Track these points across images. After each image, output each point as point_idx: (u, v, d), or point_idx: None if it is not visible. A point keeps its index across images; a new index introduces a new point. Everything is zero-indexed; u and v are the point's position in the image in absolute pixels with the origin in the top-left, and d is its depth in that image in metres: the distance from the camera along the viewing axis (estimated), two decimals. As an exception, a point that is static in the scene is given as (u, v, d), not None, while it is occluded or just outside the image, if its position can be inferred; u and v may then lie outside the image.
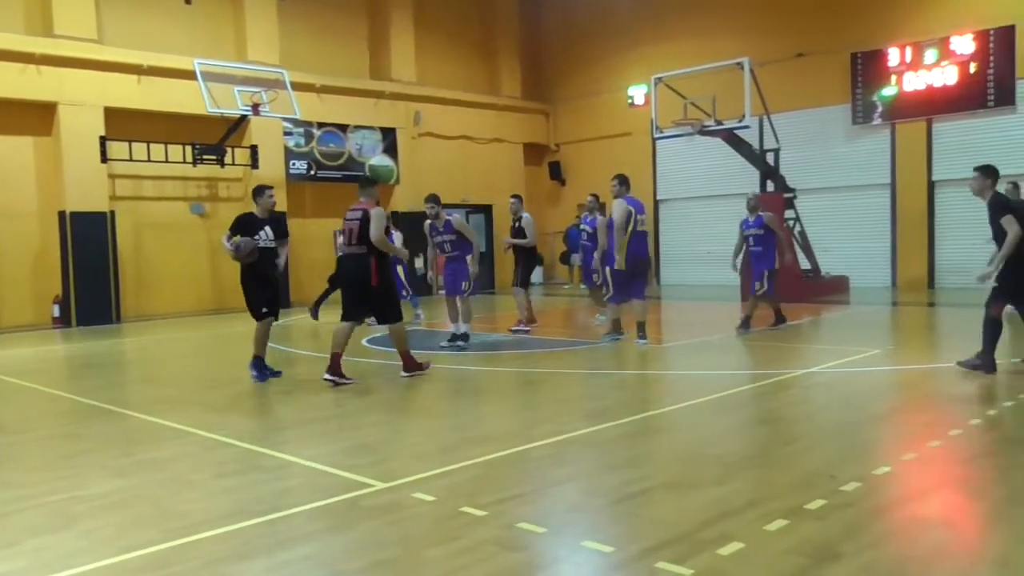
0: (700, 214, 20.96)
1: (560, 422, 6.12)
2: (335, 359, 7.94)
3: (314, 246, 19.67)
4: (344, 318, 8.10)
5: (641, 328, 10.09)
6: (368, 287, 8.00)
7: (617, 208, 9.91)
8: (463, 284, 10.48)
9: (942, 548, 3.54)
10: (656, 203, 21.91)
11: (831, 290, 16.45)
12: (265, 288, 8.58)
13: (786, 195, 16.39)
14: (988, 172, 7.52)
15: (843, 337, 10.72)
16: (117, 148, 15.96)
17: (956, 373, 7.69)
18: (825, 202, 18.20)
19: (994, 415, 5.93)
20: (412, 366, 8.33)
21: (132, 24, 16.69)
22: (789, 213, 16.48)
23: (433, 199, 10.56)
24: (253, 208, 8.82)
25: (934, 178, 17.30)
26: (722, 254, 14.24)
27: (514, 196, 12.24)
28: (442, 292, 10.95)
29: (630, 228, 9.78)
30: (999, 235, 7.33)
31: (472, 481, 4.72)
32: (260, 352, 8.49)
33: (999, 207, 7.34)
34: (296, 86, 17.46)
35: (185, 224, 17.46)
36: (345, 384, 7.86)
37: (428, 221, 10.62)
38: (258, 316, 8.47)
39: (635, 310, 10.14)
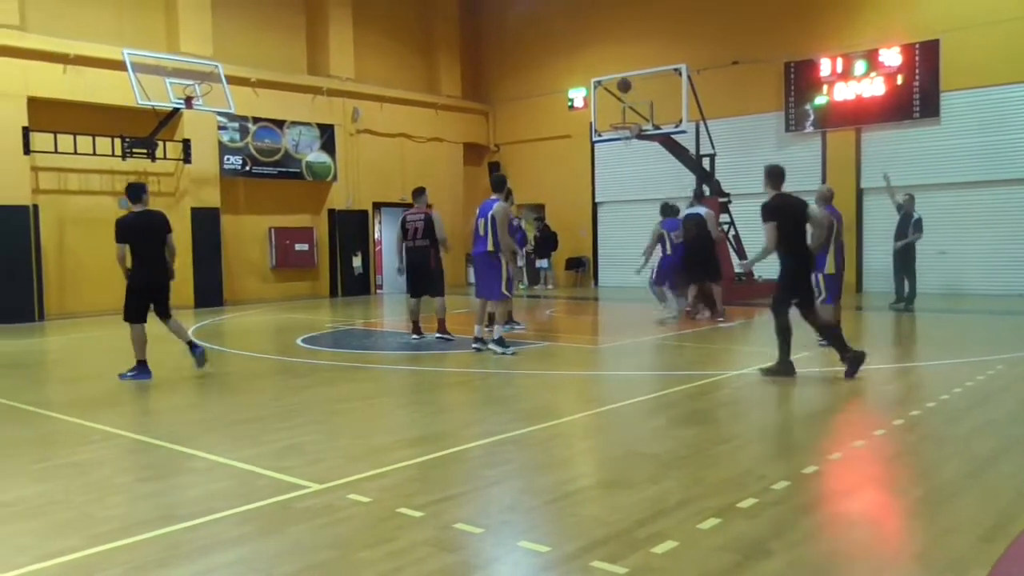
0: (637, 217, 21.21)
1: (496, 422, 6.12)
2: (416, 325, 10.84)
3: (249, 244, 19.31)
4: (412, 295, 10.87)
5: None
6: (428, 269, 10.60)
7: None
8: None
9: (865, 544, 3.65)
10: (594, 205, 22.13)
11: (763, 293, 16.79)
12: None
13: (721, 200, 16.71)
14: (768, 174, 7.88)
15: (774, 339, 10.95)
16: (41, 140, 15.38)
17: (880, 375, 7.94)
18: (758, 207, 18.58)
19: (916, 415, 6.13)
20: (443, 330, 10.71)
21: (57, 11, 16.10)
22: (724, 217, 16.81)
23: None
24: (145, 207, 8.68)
25: (863, 185, 17.85)
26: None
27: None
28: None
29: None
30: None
31: (408, 482, 4.68)
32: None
33: (766, 210, 7.72)
34: (231, 80, 17.08)
35: (112, 219, 16.74)
36: (449, 339, 10.55)
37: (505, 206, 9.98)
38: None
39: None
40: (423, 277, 10.73)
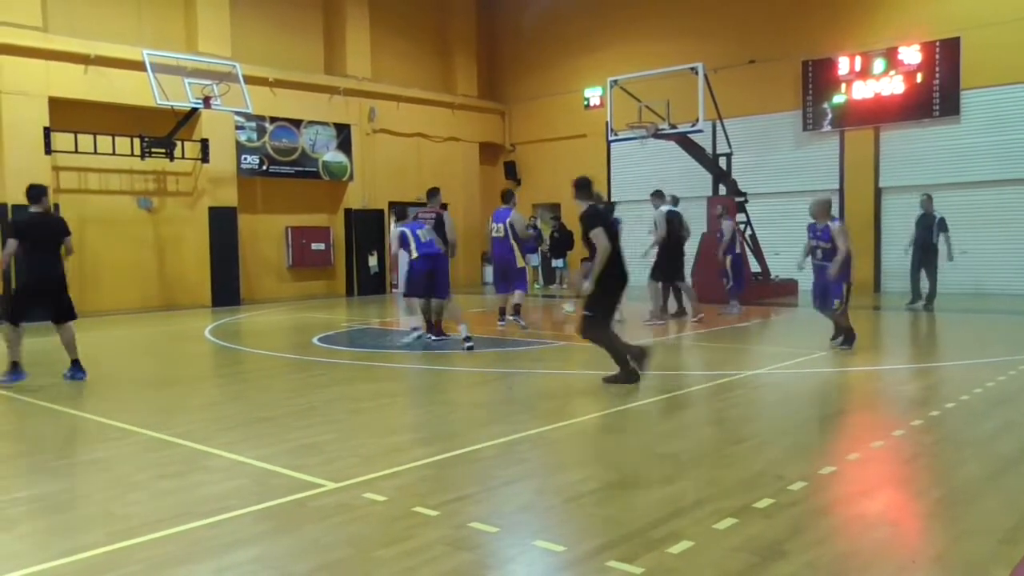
0: (652, 216, 21.15)
1: (511, 422, 6.13)
2: (432, 325, 10.80)
3: (266, 243, 19.41)
4: (421, 296, 10.75)
5: (515, 310, 12.03)
6: (436, 268, 10.49)
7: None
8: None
9: (883, 546, 3.62)
10: (611, 205, 22.06)
11: (780, 293, 16.74)
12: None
13: (738, 199, 16.65)
14: (577, 186, 7.55)
15: (791, 339, 10.92)
16: (62, 140, 15.53)
17: (899, 376, 7.88)
18: (776, 206, 18.50)
19: (936, 416, 6.08)
20: (440, 333, 10.76)
21: (79, 12, 16.25)
22: (740, 217, 16.73)
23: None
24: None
25: (881, 185, 17.71)
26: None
27: (654, 192, 13.01)
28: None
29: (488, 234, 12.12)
30: (591, 248, 7.26)
31: (423, 481, 4.69)
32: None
33: (588, 219, 7.29)
34: (249, 80, 17.16)
35: (131, 218, 17.07)
36: (444, 339, 10.62)
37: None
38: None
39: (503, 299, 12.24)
40: (432, 275, 10.71)
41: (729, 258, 13.83)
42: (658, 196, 13.13)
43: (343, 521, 4.03)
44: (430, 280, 10.49)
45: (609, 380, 7.41)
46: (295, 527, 3.97)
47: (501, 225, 11.82)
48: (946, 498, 4.28)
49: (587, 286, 7.24)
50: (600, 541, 3.67)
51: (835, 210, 17.94)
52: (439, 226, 10.63)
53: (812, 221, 9.32)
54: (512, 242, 11.82)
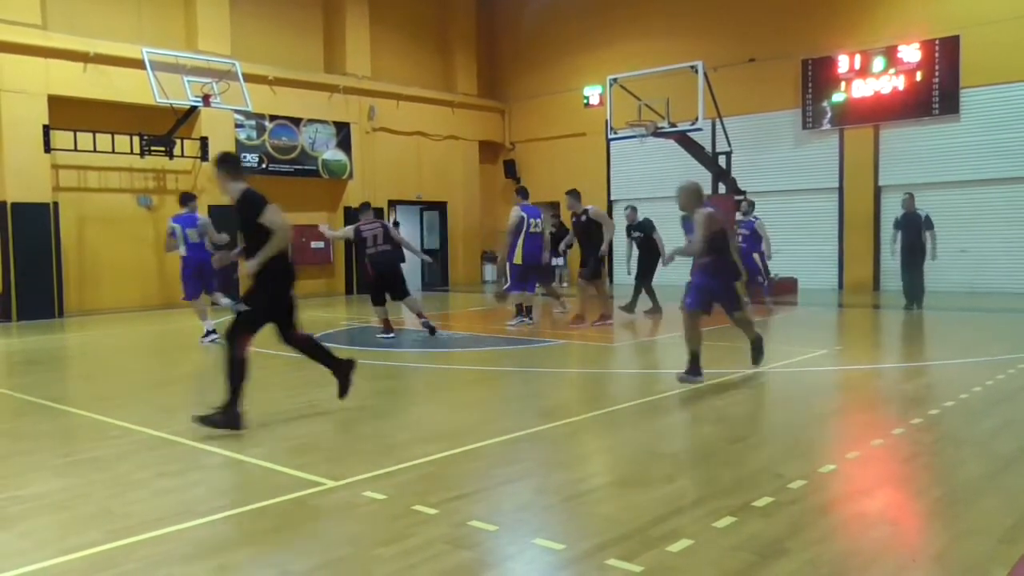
0: (652, 215, 21.12)
1: (511, 420, 6.13)
2: (427, 325, 11.02)
3: (265, 241, 19.39)
4: (376, 303, 11.10)
5: (528, 311, 12.18)
6: (398, 272, 11.07)
7: (512, 213, 11.87)
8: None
9: (883, 544, 3.62)
10: (610, 204, 22.06)
11: (780, 291, 16.72)
12: None
13: (737, 197, 16.64)
14: (222, 161, 6.31)
15: (790, 337, 10.90)
16: (61, 138, 15.52)
17: (898, 374, 7.87)
18: (775, 205, 18.50)
19: (935, 415, 6.09)
20: (429, 325, 10.98)
21: (78, 10, 16.24)
22: (738, 215, 16.73)
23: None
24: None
25: (880, 183, 17.71)
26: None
27: (570, 192, 12.68)
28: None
29: (524, 230, 11.59)
30: (257, 236, 6.03)
31: (423, 479, 4.70)
32: None
33: (254, 202, 6.10)
34: (248, 78, 17.16)
35: (131, 217, 17.05)
36: (390, 335, 10.89)
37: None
38: None
39: (526, 298, 12.21)
40: (394, 279, 11.10)
41: (758, 255, 14.13)
42: (574, 196, 12.51)
43: (343, 519, 4.04)
44: (387, 283, 10.98)
45: (204, 420, 5.68)
46: (295, 525, 3.97)
47: (539, 220, 11.83)
48: (946, 497, 4.28)
49: (252, 265, 6.03)
50: (600, 539, 3.67)
51: (834, 208, 18.09)
52: (387, 232, 11.01)
53: (684, 214, 7.64)
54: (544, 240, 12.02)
